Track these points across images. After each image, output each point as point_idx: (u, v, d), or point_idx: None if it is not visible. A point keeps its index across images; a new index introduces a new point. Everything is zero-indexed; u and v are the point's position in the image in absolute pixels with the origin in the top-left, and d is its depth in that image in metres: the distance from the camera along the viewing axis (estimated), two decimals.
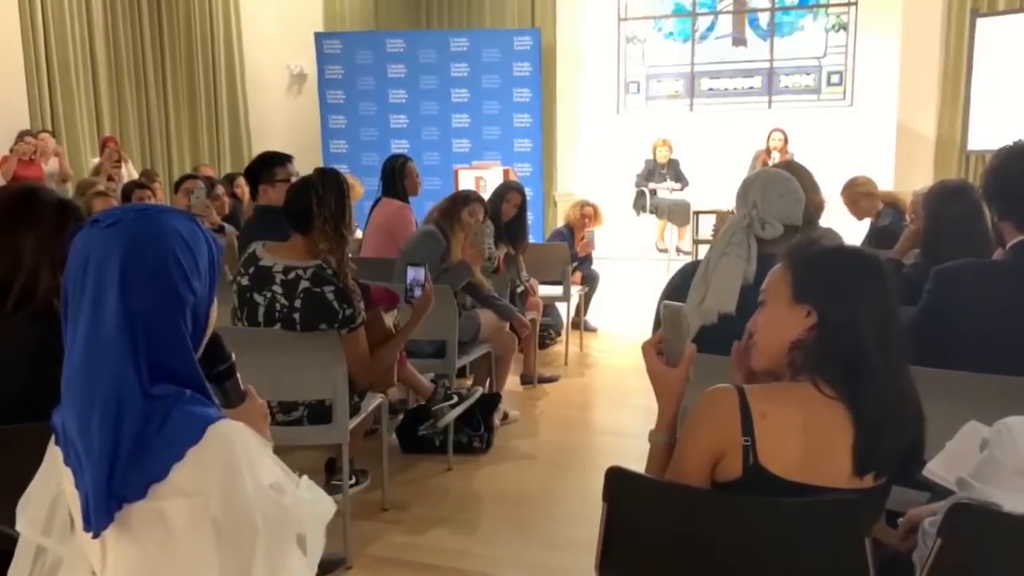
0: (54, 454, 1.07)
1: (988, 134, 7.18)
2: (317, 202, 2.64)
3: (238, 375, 1.21)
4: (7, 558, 1.85)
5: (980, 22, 7.46)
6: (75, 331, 1.02)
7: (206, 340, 1.12)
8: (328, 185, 2.69)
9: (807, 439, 1.33)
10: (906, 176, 7.89)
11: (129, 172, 6.89)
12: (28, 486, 1.12)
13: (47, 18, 7.20)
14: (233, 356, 1.20)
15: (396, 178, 4.62)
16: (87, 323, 1.00)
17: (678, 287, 2.29)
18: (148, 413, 0.98)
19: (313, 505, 1.10)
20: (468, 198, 4.00)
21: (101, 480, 0.96)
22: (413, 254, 3.68)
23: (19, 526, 1.11)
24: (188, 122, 8.91)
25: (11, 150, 6.47)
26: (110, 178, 6.34)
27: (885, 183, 7.10)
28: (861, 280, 1.39)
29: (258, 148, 7.07)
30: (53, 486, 1.09)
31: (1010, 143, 2.17)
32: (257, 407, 1.23)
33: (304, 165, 3.69)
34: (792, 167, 2.62)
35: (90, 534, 0.99)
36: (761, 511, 1.32)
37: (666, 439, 1.48)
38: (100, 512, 0.97)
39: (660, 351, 1.49)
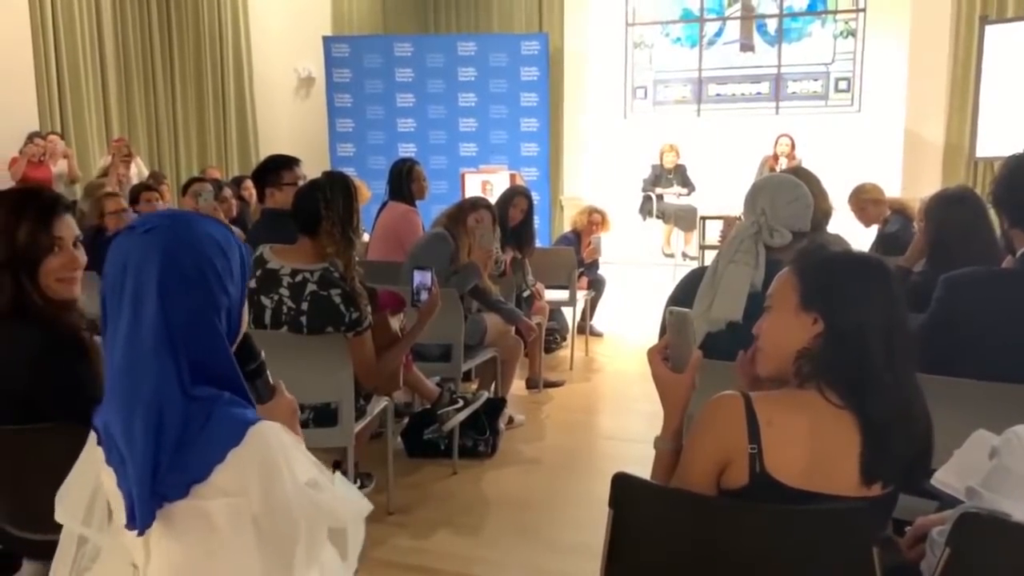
0: (95, 452, 1.10)
1: (996, 141, 7.16)
2: (325, 205, 2.64)
3: (268, 372, 1.23)
4: (7, 557, 1.86)
5: (989, 29, 7.44)
6: (115, 336, 1.04)
7: (239, 340, 1.15)
8: (336, 188, 2.70)
9: (813, 447, 1.32)
10: (913, 183, 7.87)
11: (139, 170, 6.91)
12: (65, 479, 1.15)
13: (57, 21, 7.24)
14: (263, 354, 1.23)
15: (403, 182, 4.63)
16: (127, 328, 1.03)
17: (685, 293, 2.28)
18: (189, 415, 1.01)
19: (351, 500, 1.12)
20: (475, 204, 4.01)
21: (146, 481, 0.99)
22: (423, 255, 3.68)
23: (58, 516, 1.14)
24: (196, 125, 8.94)
25: (20, 152, 6.51)
26: (119, 181, 6.36)
27: (892, 190, 7.07)
28: (869, 288, 1.38)
29: (265, 151, 7.07)
30: (92, 479, 1.12)
31: (1019, 151, 2.16)
32: (287, 402, 1.26)
33: (311, 168, 3.70)
34: (800, 173, 2.62)
35: (134, 532, 1.01)
36: (767, 519, 1.32)
37: (672, 445, 1.47)
38: (144, 511, 0.99)
39: (666, 357, 1.48)
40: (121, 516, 1.03)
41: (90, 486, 1.12)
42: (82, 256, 1.82)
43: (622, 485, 1.41)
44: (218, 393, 1.03)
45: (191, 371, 1.02)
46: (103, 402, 1.06)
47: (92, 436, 1.11)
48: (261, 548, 1.01)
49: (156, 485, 0.99)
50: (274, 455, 1.01)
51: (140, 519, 1.00)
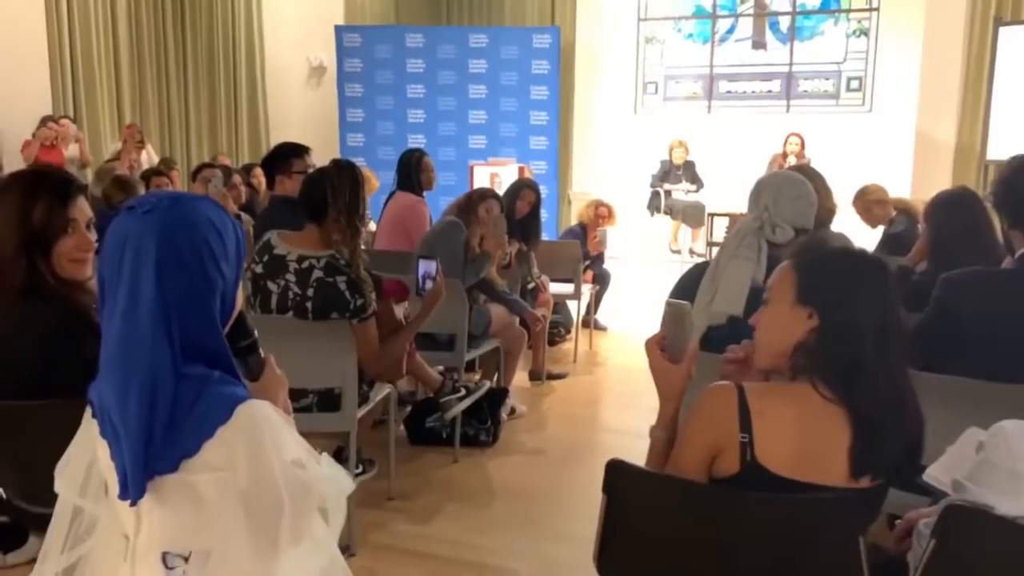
0: (90, 425, 1.14)
1: (1008, 143, 7.12)
2: (332, 193, 2.67)
3: (260, 350, 1.27)
4: (20, 530, 1.90)
5: (1003, 30, 7.40)
6: (112, 313, 1.07)
7: (232, 320, 1.18)
8: (343, 176, 2.73)
9: (804, 438, 1.34)
10: (924, 184, 7.83)
11: (150, 156, 6.96)
12: (65, 452, 1.18)
13: (71, 6, 7.29)
14: (256, 332, 1.26)
15: (411, 172, 4.66)
16: (124, 306, 1.06)
17: (687, 287, 2.30)
18: (180, 392, 1.04)
19: (334, 479, 1.16)
20: (484, 195, 4.06)
21: (138, 454, 1.03)
22: (438, 242, 3.72)
23: (57, 487, 1.17)
24: (207, 112, 8.99)
25: (34, 135, 6.57)
26: (130, 166, 6.41)
27: (903, 191, 7.07)
28: (864, 284, 1.40)
29: (276, 139, 7.10)
30: (89, 451, 1.16)
31: (1020, 153, 2.18)
32: (277, 378, 1.30)
33: (321, 158, 3.72)
34: (805, 171, 2.64)
35: (127, 502, 1.05)
36: (756, 506, 1.34)
37: (666, 434, 1.50)
38: (136, 483, 1.04)
39: (663, 347, 1.51)
40: (115, 487, 1.07)
41: (87, 458, 1.16)
42: (94, 238, 1.86)
43: (616, 471, 1.44)
44: (209, 372, 1.07)
45: (184, 349, 1.06)
46: (98, 376, 1.09)
47: (88, 409, 1.15)
48: (249, 521, 1.05)
49: (148, 459, 1.03)
50: (261, 433, 1.05)
51: (133, 491, 1.04)
